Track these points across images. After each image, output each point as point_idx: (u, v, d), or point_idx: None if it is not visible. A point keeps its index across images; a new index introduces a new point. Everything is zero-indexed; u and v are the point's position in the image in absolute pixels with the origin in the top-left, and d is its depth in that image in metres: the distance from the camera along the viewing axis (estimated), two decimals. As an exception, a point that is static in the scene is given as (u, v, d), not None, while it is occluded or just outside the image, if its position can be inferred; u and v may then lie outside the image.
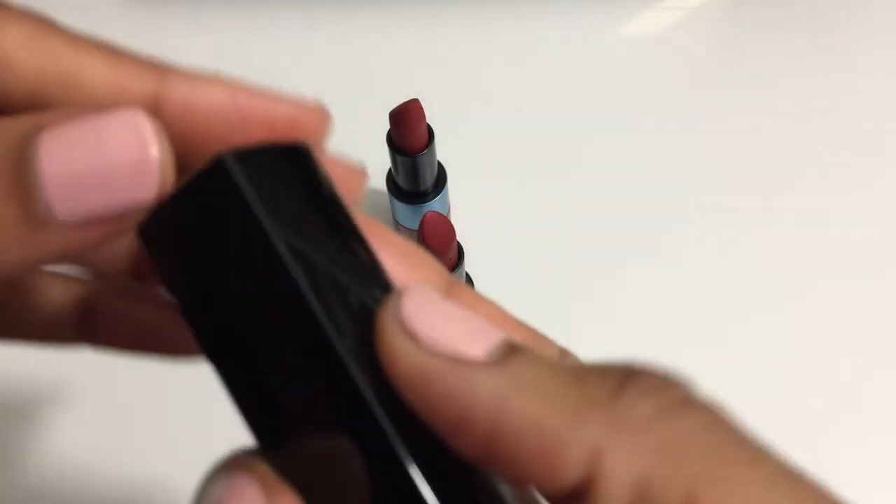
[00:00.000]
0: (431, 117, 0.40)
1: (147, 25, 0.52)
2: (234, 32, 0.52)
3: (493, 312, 0.18)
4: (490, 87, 0.50)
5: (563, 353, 0.18)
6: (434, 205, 0.41)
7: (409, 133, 0.39)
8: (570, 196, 0.46)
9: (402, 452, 0.12)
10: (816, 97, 0.49)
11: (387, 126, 0.39)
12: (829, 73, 0.50)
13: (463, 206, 0.45)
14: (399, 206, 0.42)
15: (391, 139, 0.40)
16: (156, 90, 0.16)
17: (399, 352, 0.13)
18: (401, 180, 0.42)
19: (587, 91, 0.50)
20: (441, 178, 0.43)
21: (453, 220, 0.44)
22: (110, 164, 0.13)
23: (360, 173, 0.19)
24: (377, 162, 0.43)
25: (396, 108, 0.38)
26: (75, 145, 0.13)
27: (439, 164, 0.43)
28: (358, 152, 0.46)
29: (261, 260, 0.12)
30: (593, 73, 0.51)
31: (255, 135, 0.16)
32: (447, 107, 0.44)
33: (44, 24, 0.16)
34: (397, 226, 0.44)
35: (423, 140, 0.39)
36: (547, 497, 0.13)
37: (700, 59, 0.51)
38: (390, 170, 0.42)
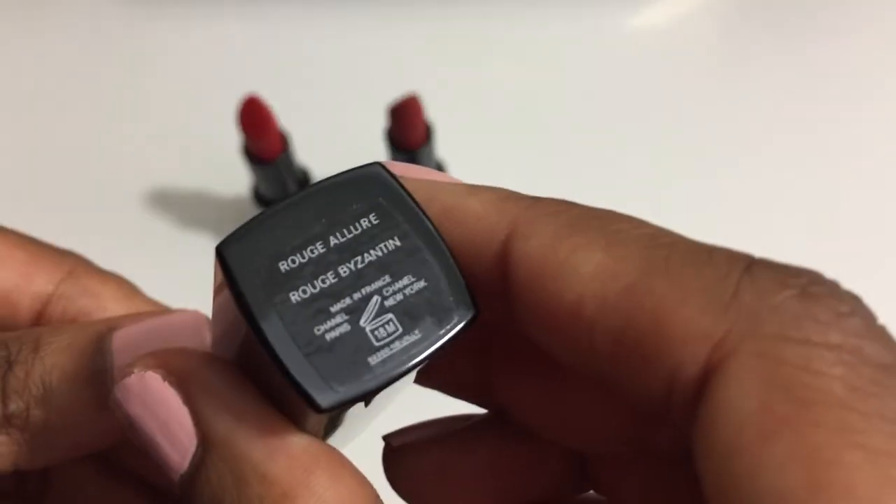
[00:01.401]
0: (431, 113, 0.39)
1: (145, 25, 0.52)
2: (232, 31, 0.52)
3: None
4: (491, 82, 0.49)
5: None
6: (433, 203, 0.41)
7: (407, 129, 0.38)
8: (572, 193, 0.45)
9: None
10: (820, 92, 0.48)
11: (386, 123, 0.39)
12: (833, 66, 0.49)
13: (463, 204, 0.45)
14: (398, 204, 0.42)
15: (390, 136, 0.39)
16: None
17: None
18: (399, 178, 0.41)
19: (590, 85, 0.49)
20: (440, 176, 0.42)
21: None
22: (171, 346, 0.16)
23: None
24: (377, 159, 0.43)
25: (394, 103, 0.37)
26: (141, 338, 0.17)
27: (439, 162, 0.42)
28: (356, 149, 0.46)
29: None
30: (597, 67, 0.50)
31: None
32: (447, 102, 0.43)
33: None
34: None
35: (421, 136, 0.39)
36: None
37: (705, 53, 0.51)
38: (389, 167, 0.42)
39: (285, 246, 0.13)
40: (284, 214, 0.13)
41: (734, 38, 0.51)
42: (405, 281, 0.13)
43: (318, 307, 0.13)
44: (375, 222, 0.14)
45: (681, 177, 0.46)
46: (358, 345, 0.13)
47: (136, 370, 0.14)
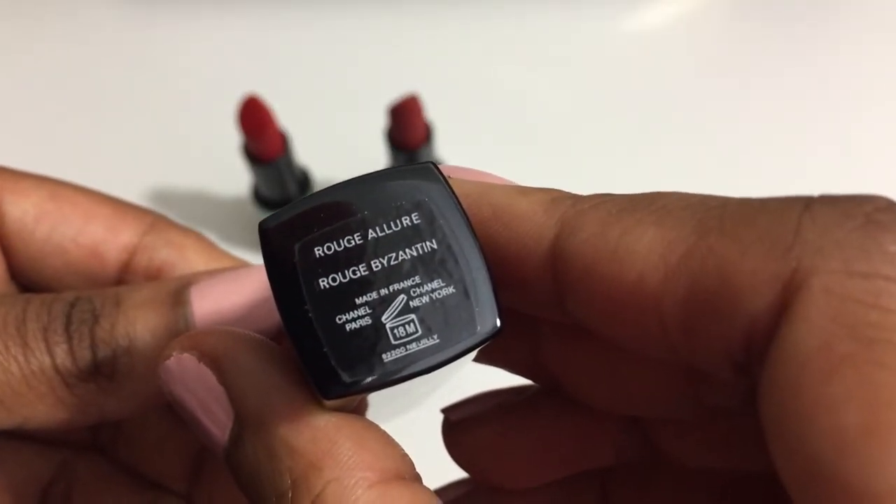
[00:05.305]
0: (431, 113, 0.39)
1: (145, 25, 0.52)
2: (232, 31, 0.52)
3: None
4: (491, 82, 0.49)
5: None
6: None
7: (407, 129, 0.38)
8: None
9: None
10: (820, 91, 0.48)
11: (386, 123, 0.39)
12: (833, 65, 0.49)
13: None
14: (398, 204, 0.41)
15: (390, 136, 0.39)
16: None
17: None
18: (399, 178, 0.41)
19: (589, 85, 0.49)
20: (440, 176, 0.42)
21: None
22: (246, 300, 0.17)
23: None
24: (376, 159, 0.43)
25: (394, 103, 0.37)
26: (218, 291, 0.18)
27: (437, 162, 0.42)
28: (356, 149, 0.46)
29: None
30: (596, 67, 0.50)
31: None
32: (447, 102, 0.43)
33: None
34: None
35: (421, 136, 0.39)
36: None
37: (704, 53, 0.51)
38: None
39: (324, 232, 0.13)
40: (329, 201, 0.13)
41: (733, 39, 0.51)
42: (434, 284, 0.13)
43: (344, 297, 0.13)
44: (416, 222, 0.13)
45: (680, 177, 0.46)
46: (375, 339, 0.13)
47: (174, 353, 0.15)
